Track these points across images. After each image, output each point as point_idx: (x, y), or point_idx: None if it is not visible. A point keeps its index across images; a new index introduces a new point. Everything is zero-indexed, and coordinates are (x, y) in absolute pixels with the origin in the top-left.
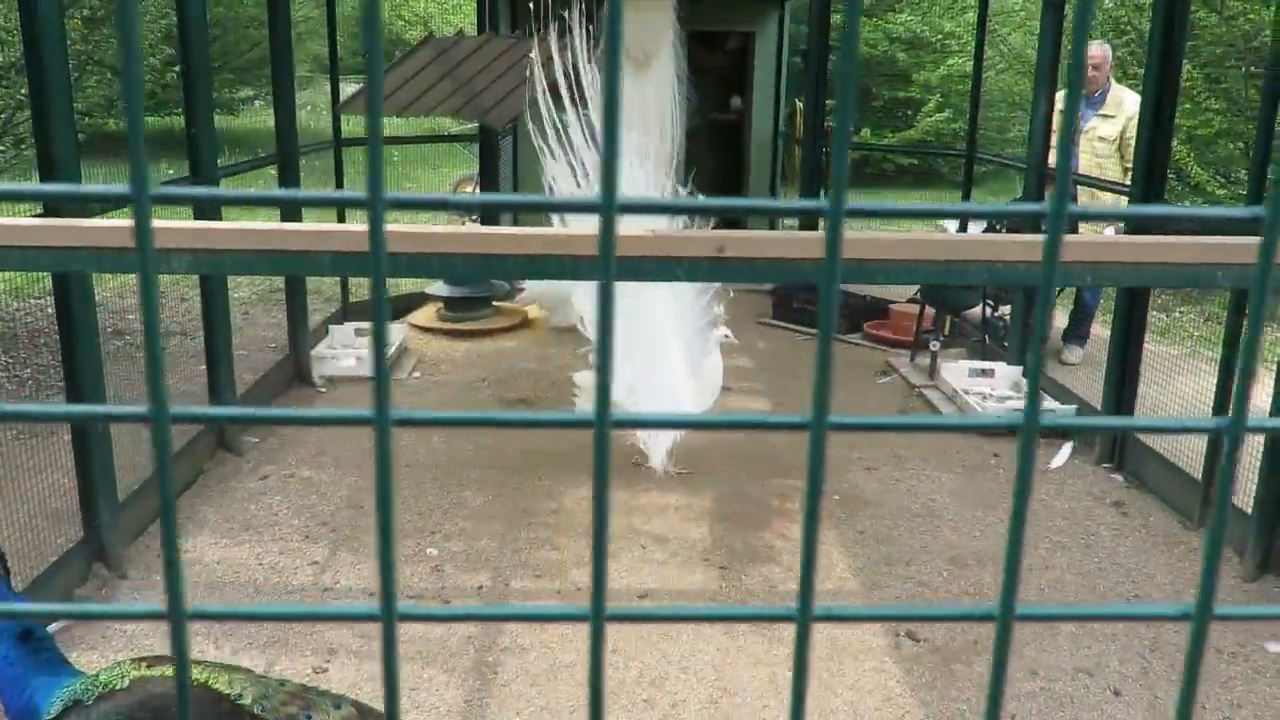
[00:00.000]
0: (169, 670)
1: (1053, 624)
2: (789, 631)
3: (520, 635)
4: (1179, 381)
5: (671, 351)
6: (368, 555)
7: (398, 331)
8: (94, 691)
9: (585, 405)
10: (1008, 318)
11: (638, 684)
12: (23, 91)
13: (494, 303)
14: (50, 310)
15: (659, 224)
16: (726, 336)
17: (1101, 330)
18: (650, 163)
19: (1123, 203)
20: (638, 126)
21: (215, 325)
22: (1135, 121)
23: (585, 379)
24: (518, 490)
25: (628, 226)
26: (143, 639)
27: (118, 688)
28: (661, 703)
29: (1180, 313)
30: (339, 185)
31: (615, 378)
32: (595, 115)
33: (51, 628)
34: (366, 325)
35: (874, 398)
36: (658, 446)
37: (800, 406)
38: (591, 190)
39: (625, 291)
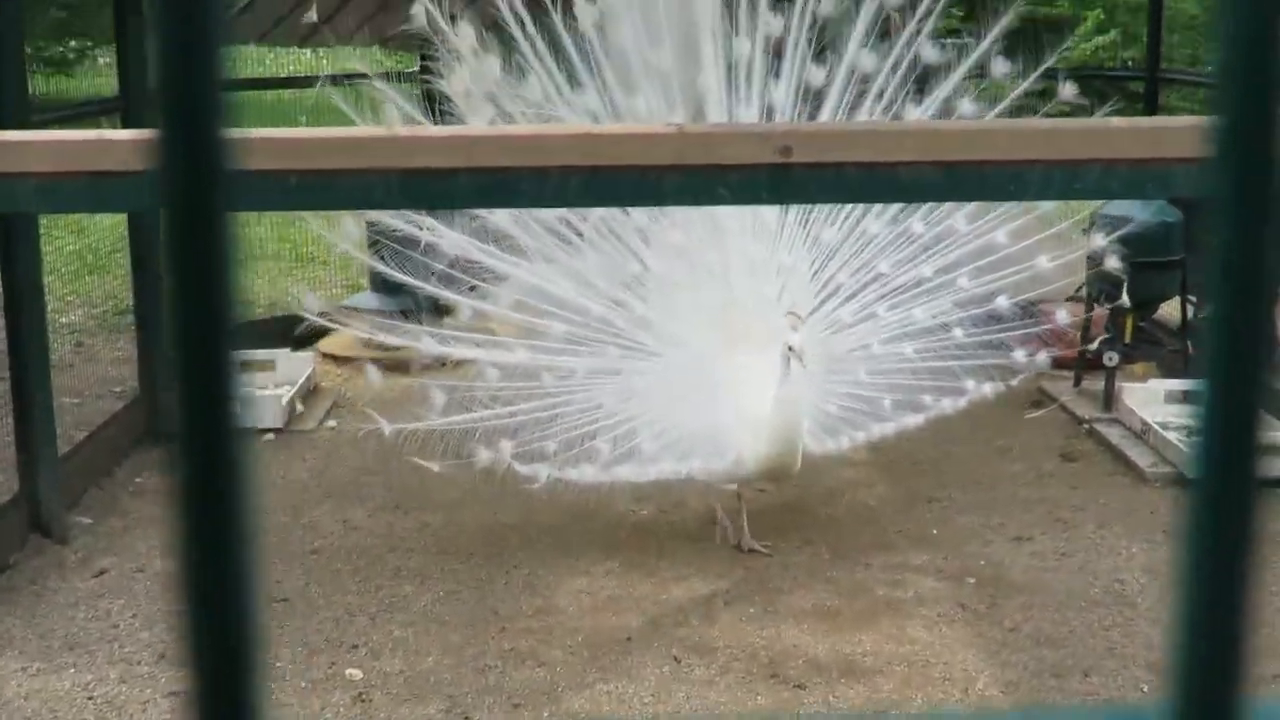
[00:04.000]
0: None
1: None
2: None
3: None
4: None
5: (727, 368)
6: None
7: (302, 365)
8: None
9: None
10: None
11: None
12: None
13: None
14: None
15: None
16: (792, 351)
17: None
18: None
19: None
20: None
21: (28, 359)
22: None
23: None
24: (484, 583)
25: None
26: None
27: None
28: None
29: None
30: None
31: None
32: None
33: None
34: (258, 355)
35: (1021, 439)
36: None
37: (905, 456)
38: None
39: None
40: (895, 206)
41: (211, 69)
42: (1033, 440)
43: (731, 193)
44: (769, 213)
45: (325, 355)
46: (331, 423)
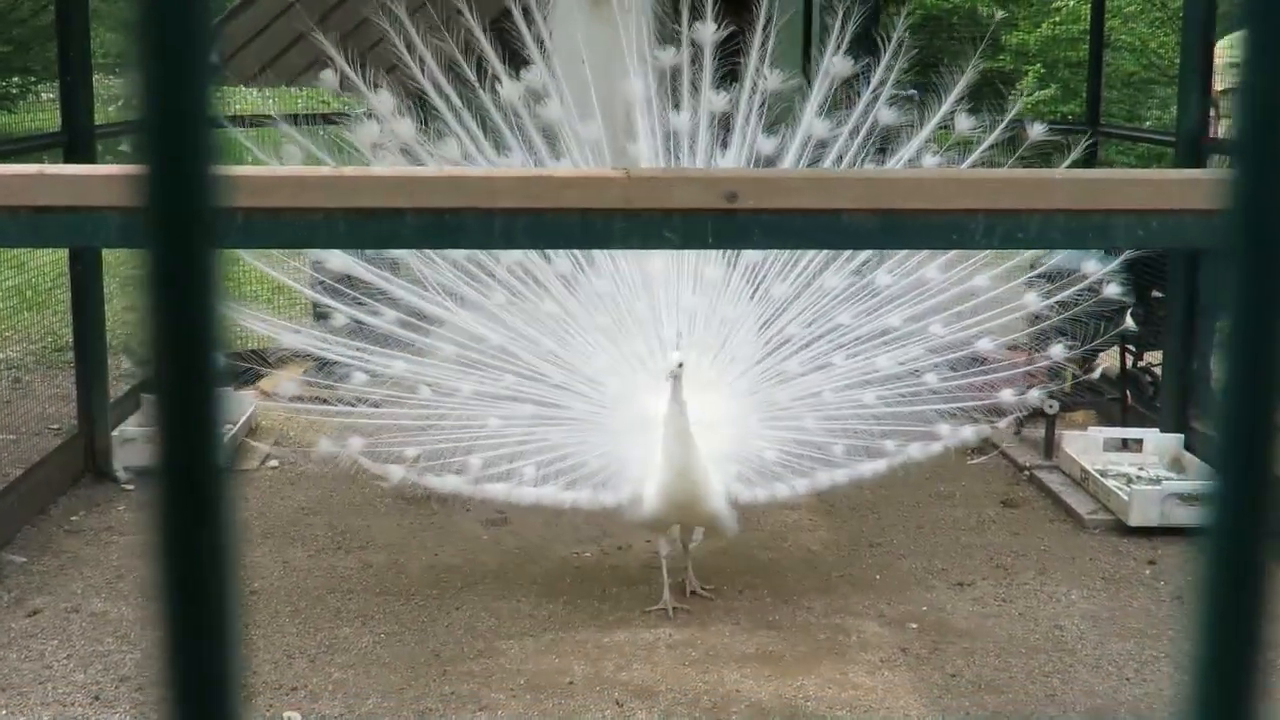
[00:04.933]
0: None
1: None
2: None
3: None
4: None
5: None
6: None
7: (242, 402)
8: None
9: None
10: (1156, 368)
11: None
12: None
13: None
14: None
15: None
16: (680, 368)
17: None
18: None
19: None
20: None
21: None
22: None
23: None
24: (425, 625)
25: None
26: None
27: None
28: None
29: None
30: None
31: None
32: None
33: None
34: None
35: (962, 485)
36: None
37: (846, 500)
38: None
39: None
40: (858, 260)
41: (197, 105)
42: (974, 486)
43: (677, 236)
44: (712, 266)
45: (264, 394)
46: (273, 462)
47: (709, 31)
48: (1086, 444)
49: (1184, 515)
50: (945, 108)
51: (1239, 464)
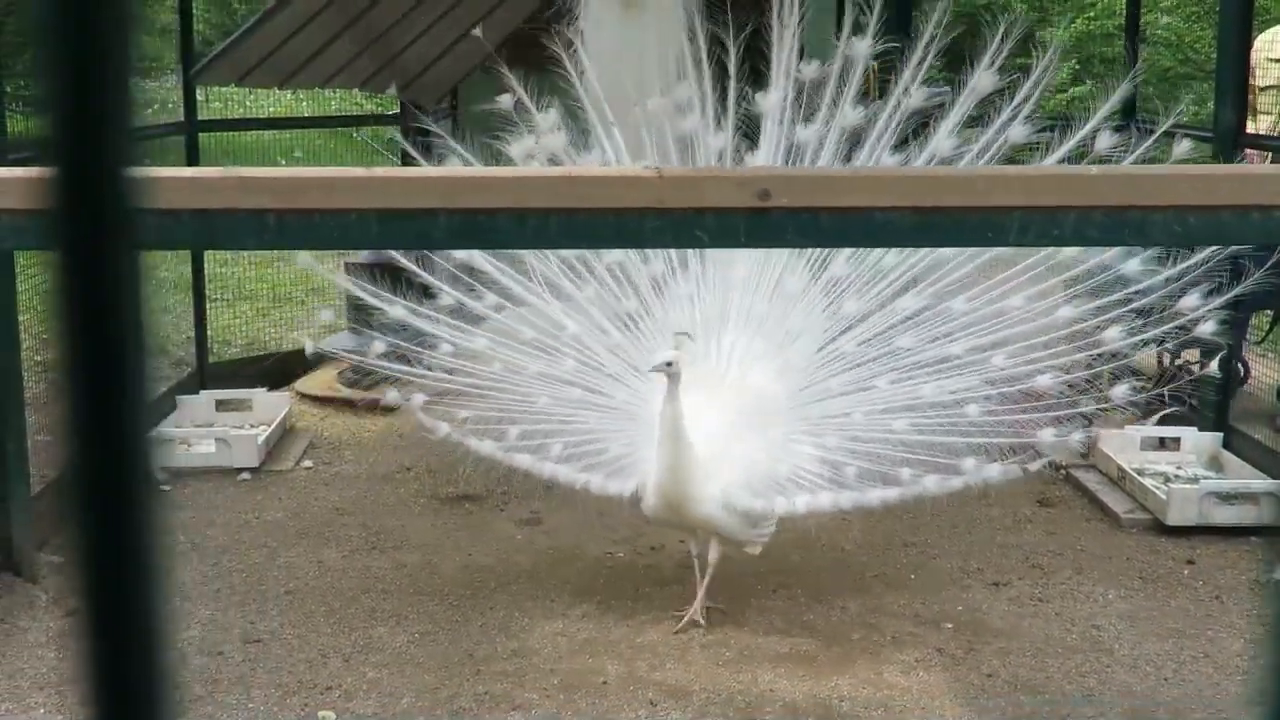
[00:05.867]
0: None
1: None
2: None
3: None
4: None
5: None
6: None
7: (278, 404)
8: None
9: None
10: (1194, 364)
11: None
12: None
13: None
14: None
15: None
16: (669, 366)
17: None
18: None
19: None
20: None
21: (1, 397)
22: None
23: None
24: (459, 625)
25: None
26: None
27: None
28: None
29: None
30: None
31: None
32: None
33: None
34: (234, 395)
35: (995, 487)
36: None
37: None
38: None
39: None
40: (943, 282)
41: (111, 105)
42: (1010, 485)
43: (709, 236)
44: (795, 277)
45: (301, 395)
46: (307, 463)
47: (864, 46)
48: (1123, 443)
49: (1222, 515)
50: (1092, 124)
51: None
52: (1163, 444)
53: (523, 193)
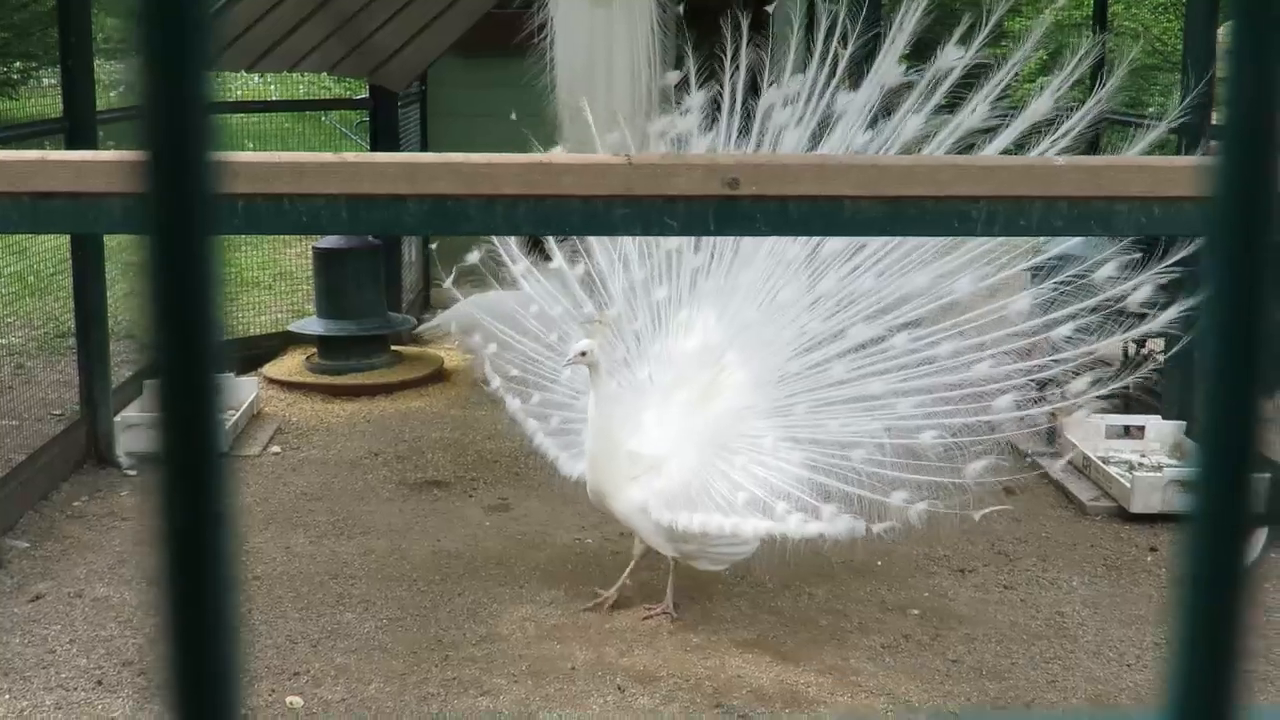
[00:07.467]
0: None
1: None
2: None
3: None
4: None
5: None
6: None
7: (245, 388)
8: None
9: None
10: (1158, 352)
11: None
12: None
13: (393, 346)
14: None
15: None
16: (584, 355)
17: None
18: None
19: None
20: (601, 85)
21: None
22: None
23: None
24: (428, 610)
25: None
26: None
27: None
28: None
29: None
30: None
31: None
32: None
33: None
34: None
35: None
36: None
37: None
38: None
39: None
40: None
41: (196, 91)
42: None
43: (679, 224)
44: (789, 290)
45: (269, 380)
46: (275, 448)
47: (953, 56)
48: (1088, 430)
49: (1186, 502)
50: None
51: (1221, 450)
52: (1127, 431)
53: (493, 179)
